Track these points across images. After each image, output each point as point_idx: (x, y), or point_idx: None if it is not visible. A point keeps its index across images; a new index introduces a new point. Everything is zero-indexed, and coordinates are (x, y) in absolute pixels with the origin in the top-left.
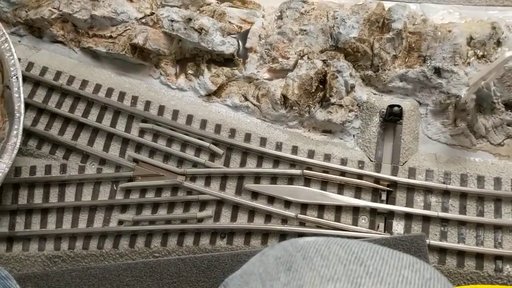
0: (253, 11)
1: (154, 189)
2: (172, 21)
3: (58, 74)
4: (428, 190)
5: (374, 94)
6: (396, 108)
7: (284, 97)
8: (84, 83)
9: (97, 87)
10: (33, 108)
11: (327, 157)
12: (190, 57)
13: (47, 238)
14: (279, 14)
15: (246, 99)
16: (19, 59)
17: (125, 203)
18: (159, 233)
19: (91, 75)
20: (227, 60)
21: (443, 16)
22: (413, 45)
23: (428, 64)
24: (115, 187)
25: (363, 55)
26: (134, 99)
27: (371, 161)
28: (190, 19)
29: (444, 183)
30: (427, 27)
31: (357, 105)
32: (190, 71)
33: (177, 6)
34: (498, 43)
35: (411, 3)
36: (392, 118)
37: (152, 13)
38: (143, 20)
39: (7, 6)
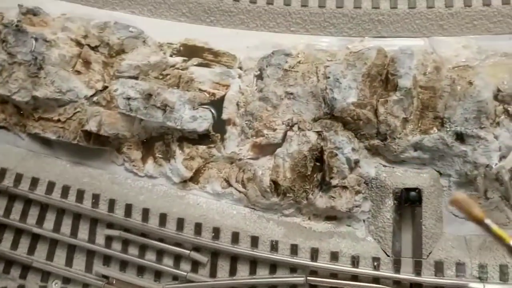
0: (227, 70)
1: None
2: (128, 99)
3: (2, 172)
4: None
5: (384, 166)
6: (413, 194)
7: (275, 183)
8: (35, 181)
9: (51, 186)
10: None
11: (334, 256)
12: (158, 136)
13: None
14: (259, 72)
15: (230, 185)
16: None
17: None
18: None
19: (43, 169)
20: (202, 136)
21: (458, 52)
22: (426, 103)
23: (448, 129)
24: None
25: (366, 123)
26: (96, 198)
27: (388, 256)
28: (150, 95)
29: (480, 279)
30: (442, 79)
31: (364, 183)
32: (159, 154)
33: (134, 77)
34: None
35: (418, 38)
36: (410, 204)
37: (105, 87)
38: (95, 99)
39: None
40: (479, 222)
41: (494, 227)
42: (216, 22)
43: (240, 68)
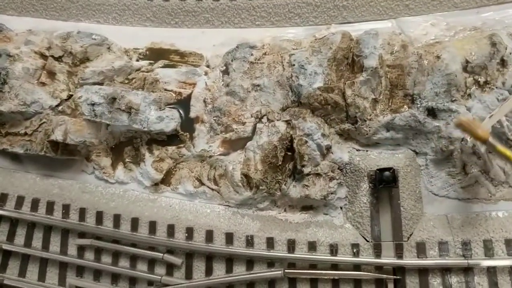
0: (193, 68)
1: None
2: (92, 105)
3: None
4: (445, 269)
5: (357, 150)
6: (387, 174)
7: (246, 176)
8: (4, 197)
9: (20, 200)
10: None
11: (312, 246)
12: (126, 140)
13: None
14: (225, 67)
15: (202, 183)
16: None
17: None
18: None
19: (12, 184)
20: (170, 137)
21: (426, 30)
22: (395, 81)
23: (419, 105)
24: None
25: (335, 107)
26: (66, 209)
27: (367, 241)
28: (114, 99)
29: (464, 256)
30: (409, 56)
31: (338, 169)
32: (128, 159)
33: (98, 83)
34: (503, 63)
35: (385, 20)
36: (384, 186)
37: (70, 96)
38: (60, 108)
39: None
40: (483, 141)
41: (498, 145)
42: (181, 23)
43: (208, 66)
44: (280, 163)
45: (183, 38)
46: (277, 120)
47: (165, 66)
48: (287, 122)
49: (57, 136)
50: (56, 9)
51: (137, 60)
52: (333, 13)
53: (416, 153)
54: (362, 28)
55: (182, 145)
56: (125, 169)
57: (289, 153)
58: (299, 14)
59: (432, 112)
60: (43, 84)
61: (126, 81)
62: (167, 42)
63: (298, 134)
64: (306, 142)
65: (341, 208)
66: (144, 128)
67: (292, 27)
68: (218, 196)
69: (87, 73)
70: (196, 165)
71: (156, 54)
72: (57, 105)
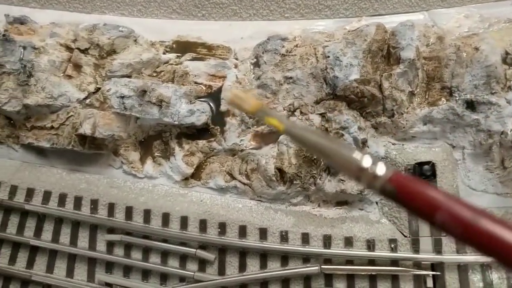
0: (222, 61)
1: None
2: (122, 97)
3: None
4: (486, 265)
5: (393, 144)
6: (426, 167)
7: (280, 171)
8: (30, 192)
9: (47, 196)
10: None
11: (349, 242)
12: (155, 134)
13: None
14: (255, 60)
15: (233, 178)
16: None
17: None
18: None
19: (38, 179)
20: (201, 131)
21: (459, 23)
22: (432, 74)
23: (457, 97)
24: None
25: (371, 100)
26: (94, 204)
27: (405, 236)
28: (144, 91)
29: None
30: (446, 48)
31: None
32: (157, 153)
33: (126, 76)
34: None
35: (417, 13)
36: (424, 180)
37: (97, 89)
38: (88, 101)
39: None
40: (252, 114)
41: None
42: (208, 15)
43: (236, 59)
44: (315, 157)
45: (210, 31)
46: (311, 113)
47: (193, 59)
48: (322, 115)
49: (86, 129)
50: (80, 1)
51: (164, 53)
52: (364, 5)
53: (453, 146)
54: (393, 20)
55: (212, 139)
56: (154, 164)
57: None
58: (329, 6)
59: (471, 105)
60: (69, 77)
61: (154, 74)
62: (194, 35)
63: (334, 127)
64: (343, 135)
65: (376, 203)
66: (175, 121)
67: (322, 19)
68: (250, 191)
69: (115, 66)
70: (227, 159)
71: (182, 47)
72: (85, 98)
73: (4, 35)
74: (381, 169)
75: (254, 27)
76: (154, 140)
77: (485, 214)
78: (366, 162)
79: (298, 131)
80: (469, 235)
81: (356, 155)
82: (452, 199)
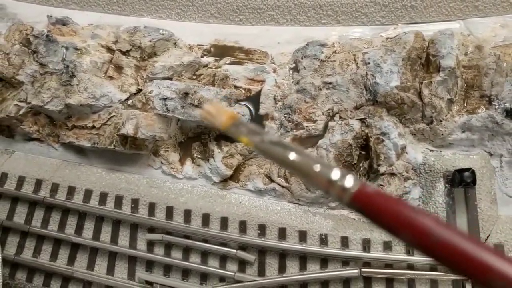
0: (261, 66)
1: None
2: (165, 99)
3: (38, 184)
4: None
5: (431, 151)
6: (467, 174)
7: None
8: (71, 190)
9: (88, 194)
10: (15, 232)
11: (388, 246)
12: (194, 136)
13: None
14: (294, 65)
15: (272, 180)
16: None
17: None
18: None
19: (78, 177)
20: None
21: (495, 32)
22: (471, 82)
23: (496, 106)
24: None
25: (411, 107)
26: (135, 203)
27: None
28: (186, 94)
29: None
30: (486, 57)
31: (412, 169)
32: (197, 154)
33: (168, 78)
34: None
35: (453, 22)
36: (464, 186)
37: (139, 91)
38: (130, 102)
39: None
40: (224, 131)
41: (240, 134)
42: (245, 20)
43: (273, 63)
44: (355, 162)
45: (247, 36)
46: (350, 118)
47: (231, 63)
48: (361, 121)
49: (128, 130)
50: (119, 3)
51: (202, 57)
52: (400, 13)
53: (491, 154)
54: (429, 29)
55: None
56: (193, 165)
57: (363, 153)
58: (366, 14)
59: (510, 114)
60: (111, 78)
61: (194, 77)
62: (231, 39)
63: (375, 133)
64: (383, 141)
65: None
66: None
67: (358, 26)
68: (288, 194)
69: (157, 68)
70: (265, 162)
71: (220, 51)
72: (126, 99)
73: (47, 35)
74: (349, 182)
75: (291, 32)
76: (193, 141)
77: (447, 226)
78: (335, 175)
79: (267, 146)
80: (432, 250)
81: (326, 168)
82: (419, 215)
